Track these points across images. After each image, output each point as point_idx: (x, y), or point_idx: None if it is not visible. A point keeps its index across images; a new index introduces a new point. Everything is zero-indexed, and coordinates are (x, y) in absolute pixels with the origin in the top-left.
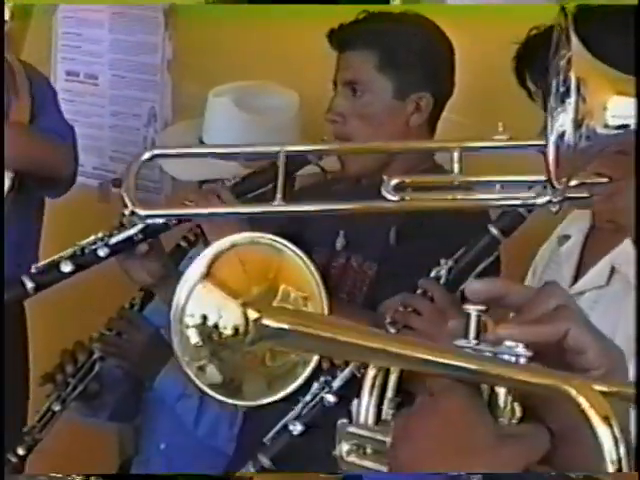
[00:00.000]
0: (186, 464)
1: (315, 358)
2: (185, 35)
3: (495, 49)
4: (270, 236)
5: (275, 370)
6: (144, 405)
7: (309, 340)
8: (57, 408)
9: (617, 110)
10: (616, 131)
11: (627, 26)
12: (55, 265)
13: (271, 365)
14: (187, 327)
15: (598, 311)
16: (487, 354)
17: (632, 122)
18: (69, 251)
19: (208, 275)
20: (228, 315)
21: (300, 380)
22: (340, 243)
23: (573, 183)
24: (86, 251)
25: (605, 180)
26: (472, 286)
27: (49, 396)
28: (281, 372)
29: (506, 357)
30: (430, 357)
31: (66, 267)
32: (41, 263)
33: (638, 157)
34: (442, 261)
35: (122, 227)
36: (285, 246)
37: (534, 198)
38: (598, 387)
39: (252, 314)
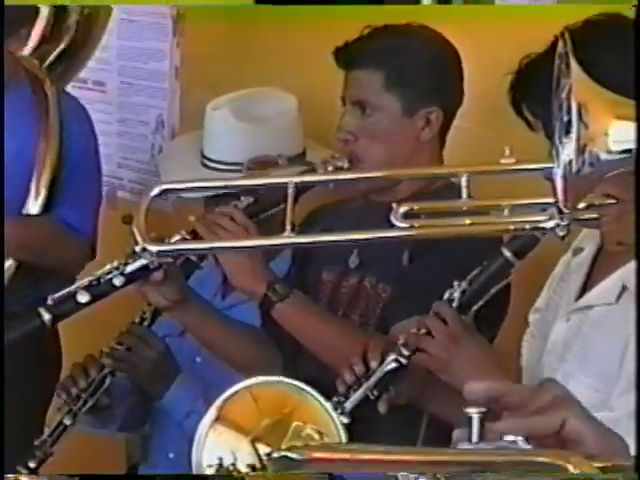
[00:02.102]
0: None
1: None
2: (193, 42)
3: (503, 53)
4: (290, 380)
5: None
6: (153, 415)
7: (328, 466)
8: (68, 422)
9: (619, 135)
10: (619, 156)
11: (627, 43)
12: (72, 296)
13: None
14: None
15: (606, 329)
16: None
17: (634, 147)
18: (85, 281)
19: (219, 418)
20: (242, 455)
21: None
22: (353, 262)
23: (581, 205)
24: (102, 281)
25: (613, 201)
26: (470, 388)
27: (60, 409)
28: None
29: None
30: (436, 457)
31: (83, 298)
32: (57, 294)
33: (638, 171)
34: (455, 283)
35: (136, 255)
36: (304, 389)
37: (543, 222)
38: (595, 463)
39: (262, 449)
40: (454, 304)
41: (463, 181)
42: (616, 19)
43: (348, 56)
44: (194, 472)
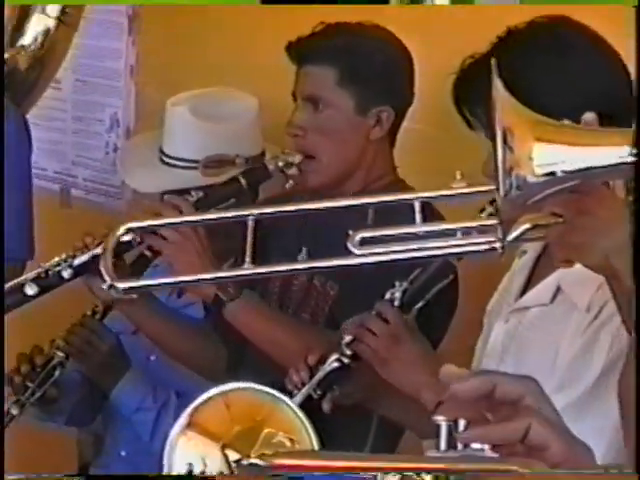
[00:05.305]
0: (147, 471)
1: None
2: (149, 41)
3: (454, 54)
4: (264, 388)
5: None
6: (104, 412)
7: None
8: (15, 412)
9: (542, 159)
10: (546, 178)
11: (569, 46)
12: (19, 288)
13: None
14: None
15: (541, 330)
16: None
17: (559, 169)
18: (33, 273)
19: (190, 424)
20: (212, 462)
21: None
22: (302, 259)
23: (527, 226)
24: (50, 273)
25: (558, 220)
26: (456, 389)
27: (7, 399)
28: None
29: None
30: (404, 465)
31: (30, 290)
32: (5, 286)
33: (638, 181)
34: (397, 283)
35: (85, 248)
36: (278, 397)
37: (492, 243)
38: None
39: (232, 455)
40: (395, 303)
41: (416, 206)
42: (560, 21)
43: (301, 51)
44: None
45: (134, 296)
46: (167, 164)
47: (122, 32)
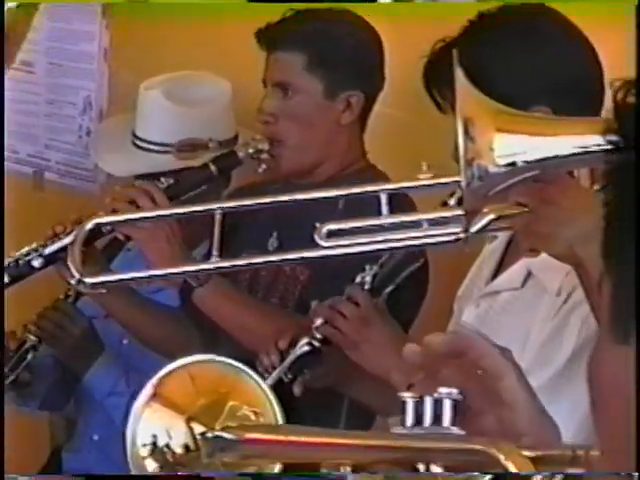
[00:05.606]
0: (119, 456)
1: None
2: (122, 24)
3: (425, 41)
4: (228, 360)
5: None
6: (77, 396)
7: (263, 447)
8: None
9: (503, 149)
10: (507, 169)
11: (537, 30)
12: None
13: None
14: (143, 458)
15: (511, 314)
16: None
17: (519, 159)
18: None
19: (155, 396)
20: (177, 434)
21: None
22: (272, 244)
23: (492, 216)
24: (20, 262)
25: (523, 210)
26: (434, 339)
27: None
28: None
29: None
30: (370, 442)
31: None
32: None
33: (638, 168)
34: (367, 267)
35: (56, 237)
36: (242, 370)
37: (459, 233)
38: (526, 452)
39: (197, 428)
40: (366, 287)
41: (383, 199)
42: (531, 6)
43: (270, 38)
44: (128, 449)
45: (103, 291)
46: (140, 148)
47: (95, 15)
